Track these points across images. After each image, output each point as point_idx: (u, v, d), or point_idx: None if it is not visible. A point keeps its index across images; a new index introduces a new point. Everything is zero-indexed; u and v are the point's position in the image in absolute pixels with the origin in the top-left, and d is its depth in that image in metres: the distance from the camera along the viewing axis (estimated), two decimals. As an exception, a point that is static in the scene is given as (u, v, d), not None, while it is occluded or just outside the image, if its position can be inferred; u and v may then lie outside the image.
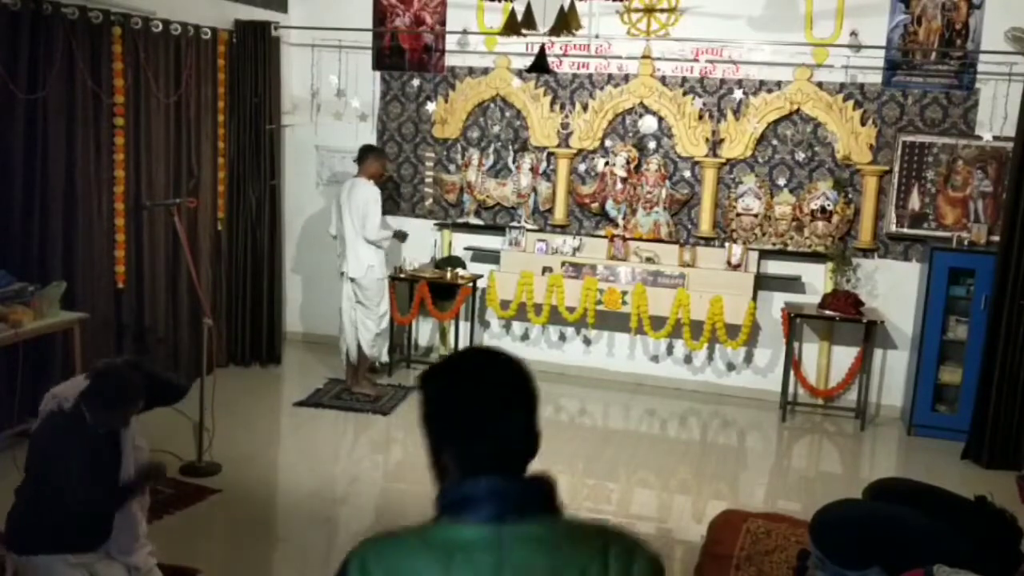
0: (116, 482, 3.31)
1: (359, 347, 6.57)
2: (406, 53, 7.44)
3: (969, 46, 6.33)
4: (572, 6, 5.59)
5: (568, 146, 7.11)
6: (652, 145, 6.99)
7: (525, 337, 7.51)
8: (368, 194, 6.39)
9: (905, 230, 6.56)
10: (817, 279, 6.79)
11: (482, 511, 1.39)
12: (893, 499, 3.82)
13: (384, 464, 5.80)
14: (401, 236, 6.85)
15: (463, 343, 7.38)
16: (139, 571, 3.39)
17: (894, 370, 6.75)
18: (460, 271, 7.17)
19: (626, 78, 6.95)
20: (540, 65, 5.77)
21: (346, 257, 6.44)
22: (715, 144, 6.83)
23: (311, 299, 7.79)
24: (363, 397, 6.56)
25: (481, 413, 1.45)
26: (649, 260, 6.89)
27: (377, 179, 6.62)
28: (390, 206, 7.61)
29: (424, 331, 7.73)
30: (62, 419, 3.23)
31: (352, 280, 6.49)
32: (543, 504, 1.43)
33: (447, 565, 1.38)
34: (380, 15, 7.42)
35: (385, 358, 6.91)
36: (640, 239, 6.96)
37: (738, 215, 6.83)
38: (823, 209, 6.65)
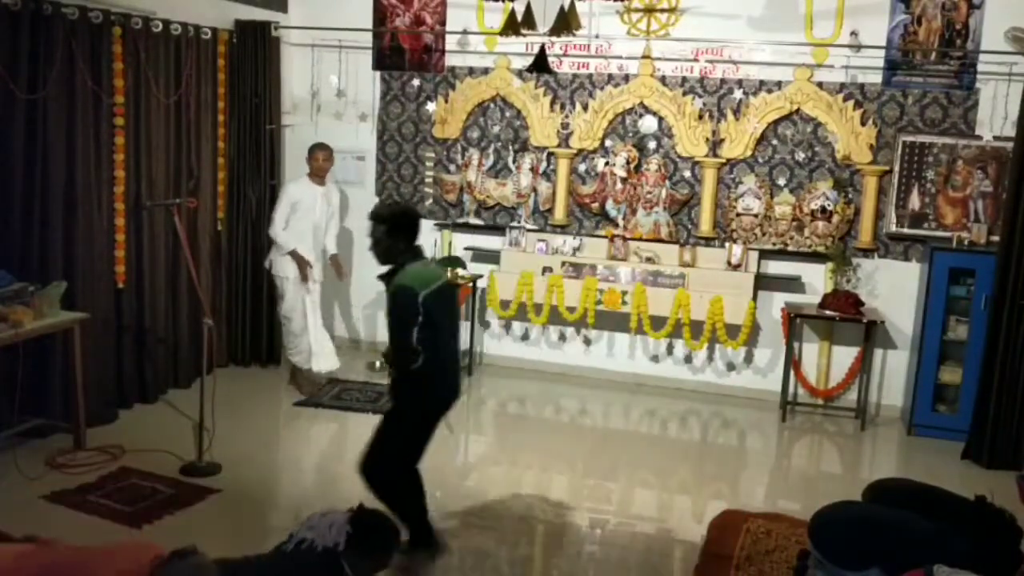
0: None
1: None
2: (406, 53, 7.44)
3: (969, 46, 6.33)
4: (572, 6, 5.58)
5: (568, 146, 7.11)
6: (652, 145, 6.99)
7: (525, 337, 7.51)
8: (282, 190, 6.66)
9: (905, 230, 6.56)
10: (817, 279, 6.79)
11: (418, 258, 4.06)
12: (893, 499, 3.82)
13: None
14: (301, 262, 6.52)
15: (463, 343, 7.36)
16: None
17: (894, 370, 6.75)
18: (460, 271, 7.16)
19: (626, 78, 6.95)
20: (540, 65, 5.76)
21: None
22: (715, 144, 6.83)
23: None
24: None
25: (413, 225, 4.07)
26: (649, 260, 6.89)
27: (315, 176, 6.58)
28: (390, 206, 7.61)
29: (424, 331, 7.72)
30: (324, 559, 3.15)
31: None
32: (423, 254, 4.13)
33: (420, 273, 3.98)
34: (380, 15, 7.42)
35: (309, 365, 6.72)
36: (640, 239, 6.96)
37: (738, 215, 6.83)
38: (823, 209, 6.65)
